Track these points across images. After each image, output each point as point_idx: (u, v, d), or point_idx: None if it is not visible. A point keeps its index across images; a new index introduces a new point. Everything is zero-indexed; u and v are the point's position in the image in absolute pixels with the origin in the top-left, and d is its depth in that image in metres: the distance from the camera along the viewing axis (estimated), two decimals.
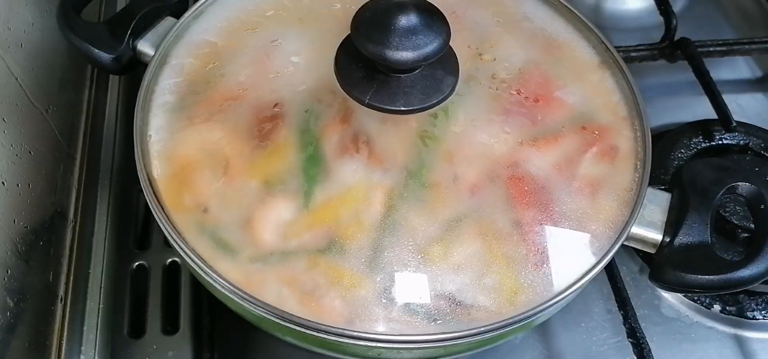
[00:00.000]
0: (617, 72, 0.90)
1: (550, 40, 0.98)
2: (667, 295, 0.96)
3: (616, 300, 0.90)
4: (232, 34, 0.97)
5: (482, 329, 0.70)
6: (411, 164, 0.84)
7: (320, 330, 0.69)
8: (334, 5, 0.99)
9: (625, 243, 0.77)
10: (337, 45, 0.93)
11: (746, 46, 1.27)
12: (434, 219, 0.80)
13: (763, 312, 0.94)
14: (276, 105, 0.88)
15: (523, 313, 0.71)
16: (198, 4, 0.93)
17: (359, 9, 0.83)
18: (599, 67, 0.93)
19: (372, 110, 0.86)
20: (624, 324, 0.87)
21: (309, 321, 0.70)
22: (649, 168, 0.80)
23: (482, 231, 0.79)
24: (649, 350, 0.84)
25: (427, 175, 0.83)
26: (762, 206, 0.77)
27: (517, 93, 0.91)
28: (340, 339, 0.68)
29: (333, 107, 0.87)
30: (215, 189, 0.81)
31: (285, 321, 0.69)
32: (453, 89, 0.87)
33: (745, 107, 1.18)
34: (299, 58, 0.93)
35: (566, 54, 0.96)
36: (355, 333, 0.70)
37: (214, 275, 0.71)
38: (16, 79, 0.90)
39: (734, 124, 1.07)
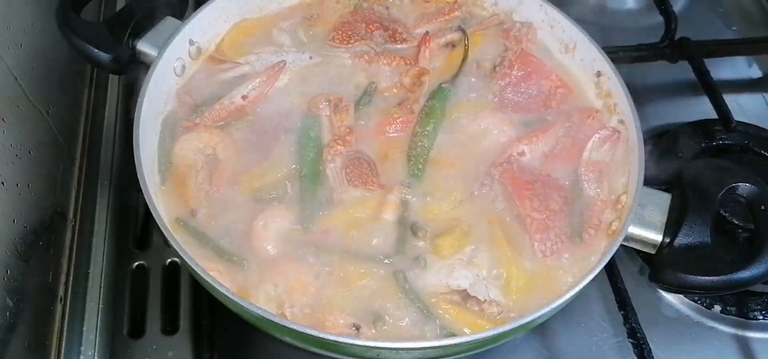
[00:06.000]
0: (612, 75, 0.90)
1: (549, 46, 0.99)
2: (667, 295, 0.95)
3: (616, 300, 0.90)
4: (235, 39, 0.97)
5: (479, 336, 0.70)
6: (410, 166, 0.84)
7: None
8: (334, 13, 1.00)
9: (625, 244, 0.77)
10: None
11: (746, 46, 1.27)
12: (434, 219, 0.80)
13: (763, 312, 0.94)
14: (277, 114, 0.89)
15: (522, 318, 0.71)
16: (202, 7, 0.93)
17: None
18: (596, 69, 0.93)
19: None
20: (624, 325, 0.87)
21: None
22: (643, 168, 0.80)
23: (481, 231, 0.80)
24: (650, 350, 0.84)
25: (424, 175, 0.84)
26: (762, 207, 0.77)
27: (514, 90, 0.91)
28: (338, 339, 0.68)
29: (333, 114, 0.88)
30: (216, 195, 0.81)
31: (284, 322, 0.69)
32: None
33: (745, 107, 1.18)
34: (301, 66, 0.94)
35: (565, 59, 0.97)
36: (351, 339, 0.69)
37: (215, 279, 0.70)
38: (16, 79, 0.89)
39: (734, 124, 1.07)
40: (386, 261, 0.76)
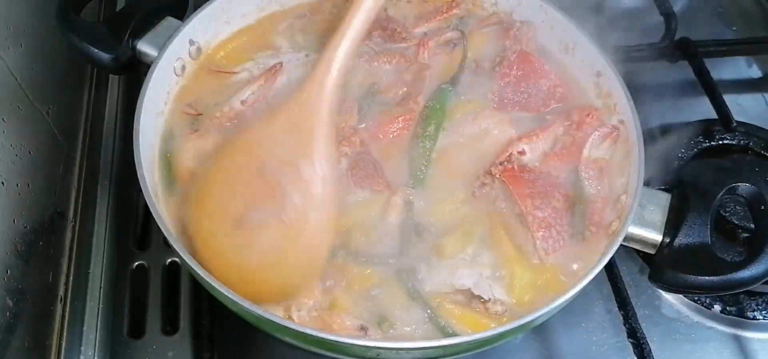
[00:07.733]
0: (612, 75, 0.90)
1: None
2: (667, 295, 0.96)
3: (616, 300, 0.90)
4: (236, 41, 0.97)
5: (479, 336, 0.70)
6: (411, 168, 0.84)
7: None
8: (329, 15, 1.00)
9: (625, 244, 0.77)
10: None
11: (746, 46, 1.27)
12: (437, 220, 0.80)
13: (763, 313, 0.94)
14: None
15: (522, 318, 0.71)
16: (202, 7, 0.93)
17: None
18: (596, 69, 0.93)
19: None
20: (624, 325, 0.87)
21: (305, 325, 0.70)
22: (643, 168, 0.80)
23: (483, 231, 0.80)
24: (650, 350, 0.84)
25: (426, 176, 0.84)
26: (762, 207, 0.77)
27: (514, 90, 0.91)
28: (338, 339, 0.68)
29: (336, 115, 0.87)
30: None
31: (284, 322, 0.69)
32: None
33: (745, 107, 1.18)
34: (300, 66, 0.94)
35: (565, 59, 0.97)
36: (351, 339, 0.69)
37: (216, 282, 0.70)
38: (16, 79, 0.90)
39: (734, 124, 1.07)
40: (390, 262, 0.76)
